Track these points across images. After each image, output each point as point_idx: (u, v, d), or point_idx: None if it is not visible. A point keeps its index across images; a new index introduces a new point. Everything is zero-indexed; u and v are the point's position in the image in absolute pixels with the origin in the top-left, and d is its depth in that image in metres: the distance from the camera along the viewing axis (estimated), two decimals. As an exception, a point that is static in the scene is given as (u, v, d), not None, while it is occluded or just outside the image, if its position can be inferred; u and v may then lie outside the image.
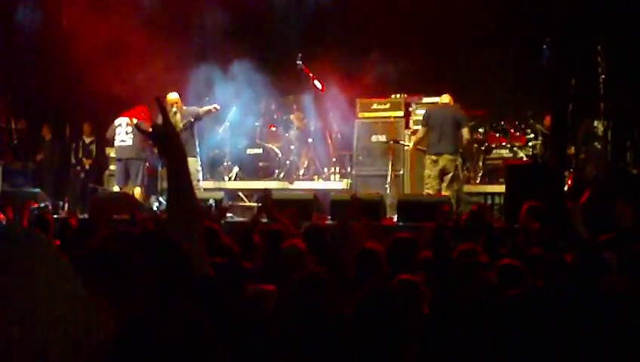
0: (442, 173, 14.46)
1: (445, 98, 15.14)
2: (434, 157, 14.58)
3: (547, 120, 15.48)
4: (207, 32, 17.38)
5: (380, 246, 7.00)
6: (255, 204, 15.81)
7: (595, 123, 14.62)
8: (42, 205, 14.76)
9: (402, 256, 6.92)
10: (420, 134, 15.33)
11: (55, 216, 13.54)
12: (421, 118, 15.32)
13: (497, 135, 16.24)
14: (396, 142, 15.80)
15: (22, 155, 17.93)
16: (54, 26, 18.18)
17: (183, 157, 3.92)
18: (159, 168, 16.43)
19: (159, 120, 4.45)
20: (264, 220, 9.61)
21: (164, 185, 16.11)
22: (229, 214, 14.79)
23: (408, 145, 15.73)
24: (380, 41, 17.43)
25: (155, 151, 14.99)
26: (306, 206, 13.61)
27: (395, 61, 17.20)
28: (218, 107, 15.64)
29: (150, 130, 4.05)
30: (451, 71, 17.01)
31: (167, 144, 3.86)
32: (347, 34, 17.84)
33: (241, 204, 16.81)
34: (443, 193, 14.27)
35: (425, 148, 15.00)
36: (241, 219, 13.94)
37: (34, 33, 17.18)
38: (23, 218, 10.69)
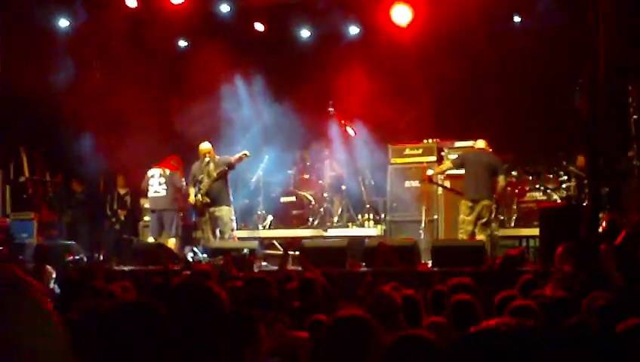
0: (477, 218, 14.41)
1: (481, 143, 15.09)
2: (470, 203, 14.52)
3: (580, 160, 15.33)
4: (240, 81, 17.46)
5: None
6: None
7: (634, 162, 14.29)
8: (77, 257, 14.86)
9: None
10: (443, 167, 15.41)
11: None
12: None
13: (531, 178, 16.10)
14: (430, 180, 15.71)
15: (57, 208, 18.03)
16: (88, 81, 18.41)
17: None
18: (193, 218, 16.48)
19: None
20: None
21: (199, 235, 16.20)
22: (263, 263, 14.84)
23: (442, 184, 15.72)
24: (411, 86, 17.43)
25: (189, 200, 15.04)
26: (340, 253, 13.62)
27: (427, 106, 17.21)
28: (248, 153, 15.58)
29: None
30: (482, 114, 16.92)
31: None
32: (378, 79, 17.83)
33: (275, 252, 16.77)
34: (477, 237, 14.21)
35: (460, 191, 14.98)
36: (276, 268, 13.93)
37: (68, 88, 17.37)
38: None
